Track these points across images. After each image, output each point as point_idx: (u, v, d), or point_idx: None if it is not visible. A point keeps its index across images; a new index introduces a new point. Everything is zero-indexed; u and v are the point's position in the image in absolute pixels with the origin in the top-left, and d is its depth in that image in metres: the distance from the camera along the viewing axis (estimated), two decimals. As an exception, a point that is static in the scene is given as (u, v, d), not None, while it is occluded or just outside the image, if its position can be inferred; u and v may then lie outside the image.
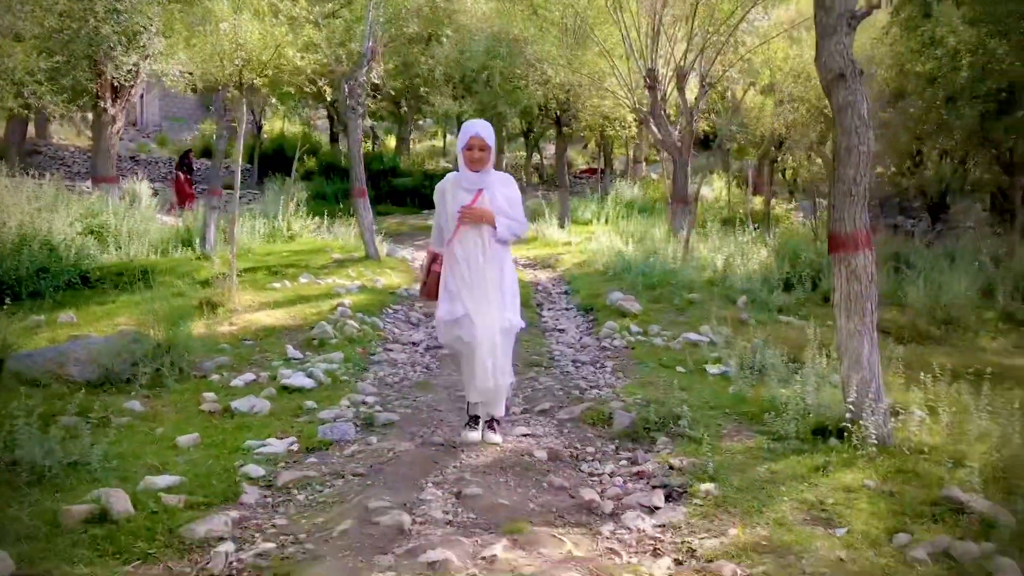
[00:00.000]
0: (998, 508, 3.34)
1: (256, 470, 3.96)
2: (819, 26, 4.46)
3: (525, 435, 4.52)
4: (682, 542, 3.15)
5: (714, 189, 21.28)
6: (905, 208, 16.80)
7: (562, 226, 15.60)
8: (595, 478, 3.92)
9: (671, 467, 3.91)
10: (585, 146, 29.67)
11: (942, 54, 11.99)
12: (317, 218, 13.35)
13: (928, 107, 12.71)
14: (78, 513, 3.26)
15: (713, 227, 12.15)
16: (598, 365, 6.16)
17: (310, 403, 5.21)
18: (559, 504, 3.53)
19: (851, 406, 4.18)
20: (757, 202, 18.88)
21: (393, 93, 16.21)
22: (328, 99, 13.68)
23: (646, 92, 12.98)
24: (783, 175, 21.10)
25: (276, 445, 4.36)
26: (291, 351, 6.51)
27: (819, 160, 15.91)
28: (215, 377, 5.87)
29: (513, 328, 4.24)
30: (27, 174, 12.08)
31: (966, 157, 13.37)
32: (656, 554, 3.06)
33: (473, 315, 4.11)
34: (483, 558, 2.93)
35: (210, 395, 5.37)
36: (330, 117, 22.48)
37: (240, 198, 11.39)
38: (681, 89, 12.91)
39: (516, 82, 15.24)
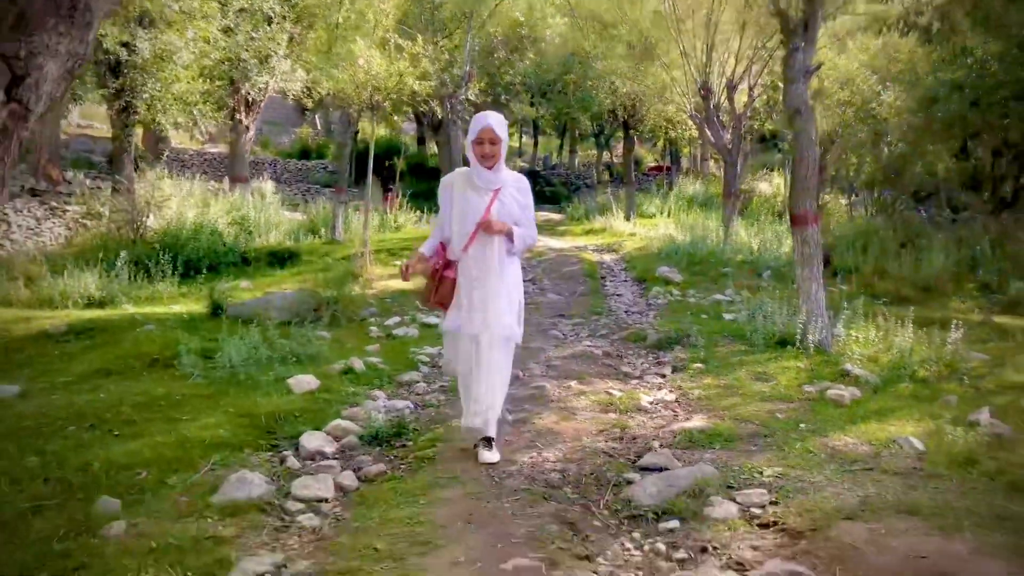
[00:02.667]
0: (870, 375, 5.78)
1: (423, 358, 6.70)
2: (785, 77, 6.95)
3: (588, 345, 7.15)
4: (676, 386, 5.74)
5: (772, 185, 23.40)
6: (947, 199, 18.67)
7: (628, 219, 18.09)
8: (631, 364, 6.50)
9: (679, 358, 6.48)
10: (654, 144, 32.00)
11: (972, 62, 14.12)
12: (416, 212, 16.23)
13: (956, 111, 14.78)
14: (334, 370, 6.03)
15: (764, 218, 14.49)
16: (643, 314, 8.73)
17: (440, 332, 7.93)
18: (607, 372, 6.15)
19: (801, 325, 6.65)
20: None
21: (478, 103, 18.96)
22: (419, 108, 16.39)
23: (701, 101, 15.37)
24: (844, 172, 23.07)
25: (430, 350, 7.08)
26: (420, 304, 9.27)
27: (868, 159, 18.00)
28: (372, 320, 8.66)
29: (512, 338, 4.22)
30: (171, 176, 15.35)
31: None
32: (659, 388, 5.65)
33: (478, 327, 4.11)
34: (564, 387, 5.57)
35: (374, 329, 8.15)
36: (419, 122, 25.38)
37: (343, 196, 14.37)
38: (731, 99, 15.26)
39: (587, 91, 17.84)
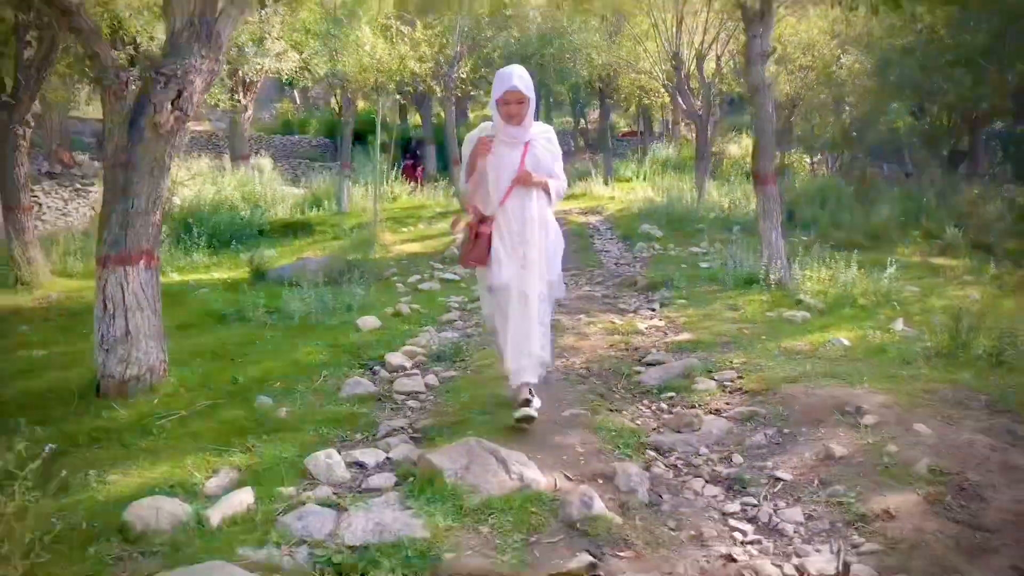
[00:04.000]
0: (819, 303, 7.32)
1: (453, 304, 8.16)
2: (746, 59, 8.42)
3: (588, 290, 8.66)
4: (665, 315, 7.27)
5: (741, 147, 24.97)
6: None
7: (606, 183, 19.58)
8: (626, 303, 8.02)
9: (664, 296, 8.01)
10: (626, 111, 33.41)
11: (921, 28, 15.73)
12: (409, 183, 17.60)
13: (908, 75, 16.38)
14: (385, 314, 7.47)
15: (735, 179, 16.04)
16: (631, 265, 10.26)
17: (462, 286, 9.38)
18: (608, 308, 7.68)
19: (764, 267, 8.19)
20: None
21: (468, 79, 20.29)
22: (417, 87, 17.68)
23: (672, 70, 16.82)
24: (809, 132, 24.71)
25: (456, 299, 8.53)
26: (435, 264, 10.71)
27: (830, 120, 19.61)
28: (395, 278, 10.08)
29: (553, 293, 4.34)
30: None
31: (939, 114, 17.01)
32: (651, 318, 7.19)
33: (516, 280, 4.11)
34: (575, 319, 7.07)
35: (400, 285, 9.59)
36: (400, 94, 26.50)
37: (331, 169, 15.65)
38: (700, 67, 16.71)
39: (565, 63, 19.18)
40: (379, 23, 12.31)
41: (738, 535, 3.21)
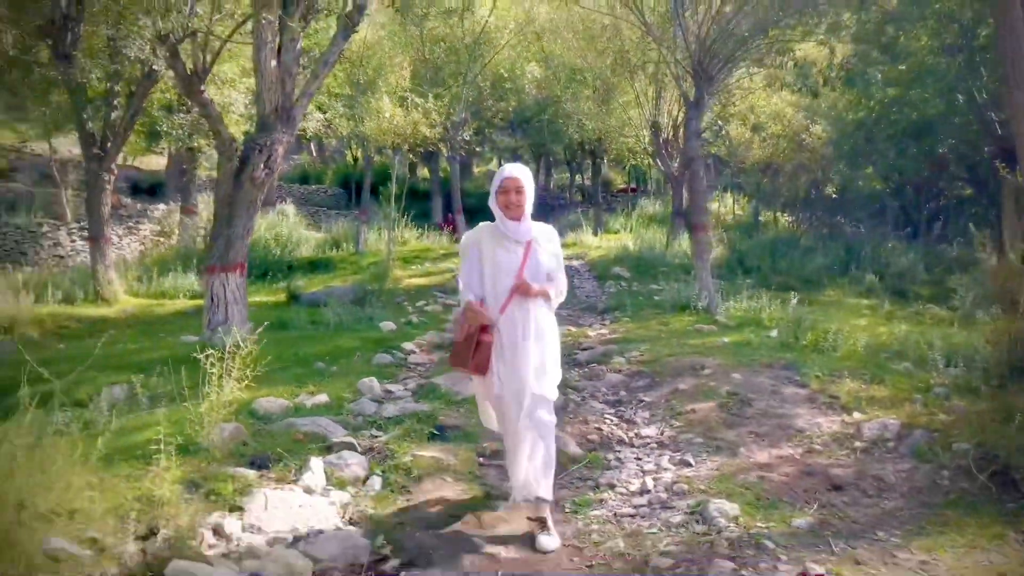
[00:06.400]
0: (730, 322, 9.88)
1: (450, 319, 10.75)
2: (685, 134, 11.13)
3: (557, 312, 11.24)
4: (610, 327, 9.85)
5: (725, 205, 27.79)
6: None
7: (595, 234, 22.28)
8: (584, 321, 10.60)
9: (615, 316, 10.61)
10: (624, 168, 36.42)
11: (873, 104, 18.56)
12: (417, 230, 20.35)
13: (857, 145, 19.17)
14: (400, 322, 10.06)
15: (714, 231, 18.69)
16: (597, 297, 12.86)
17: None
18: (569, 323, 10.26)
19: (696, 296, 10.78)
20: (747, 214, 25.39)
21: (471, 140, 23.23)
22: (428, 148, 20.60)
23: (652, 136, 19.64)
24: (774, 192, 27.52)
25: (453, 316, 11.11)
26: (437, 293, 13.33)
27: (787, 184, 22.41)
28: (406, 303, 12.69)
29: (549, 399, 4.15)
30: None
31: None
32: (600, 328, 9.77)
33: (519, 389, 4.05)
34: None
35: (409, 308, 12.19)
36: (411, 152, 29.53)
37: (346, 216, 18.32)
38: (676, 135, 19.53)
39: (560, 127, 22.08)
40: (396, 94, 15.14)
41: (608, 420, 5.78)
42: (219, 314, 7.66)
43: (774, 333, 8.75)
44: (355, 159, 29.02)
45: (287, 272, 16.08)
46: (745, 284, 13.33)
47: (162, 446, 4.15)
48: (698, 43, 10.82)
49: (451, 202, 24.42)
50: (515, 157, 31.48)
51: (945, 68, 14.55)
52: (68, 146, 23.43)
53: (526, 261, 4.07)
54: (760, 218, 23.94)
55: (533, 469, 4.07)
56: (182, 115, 14.39)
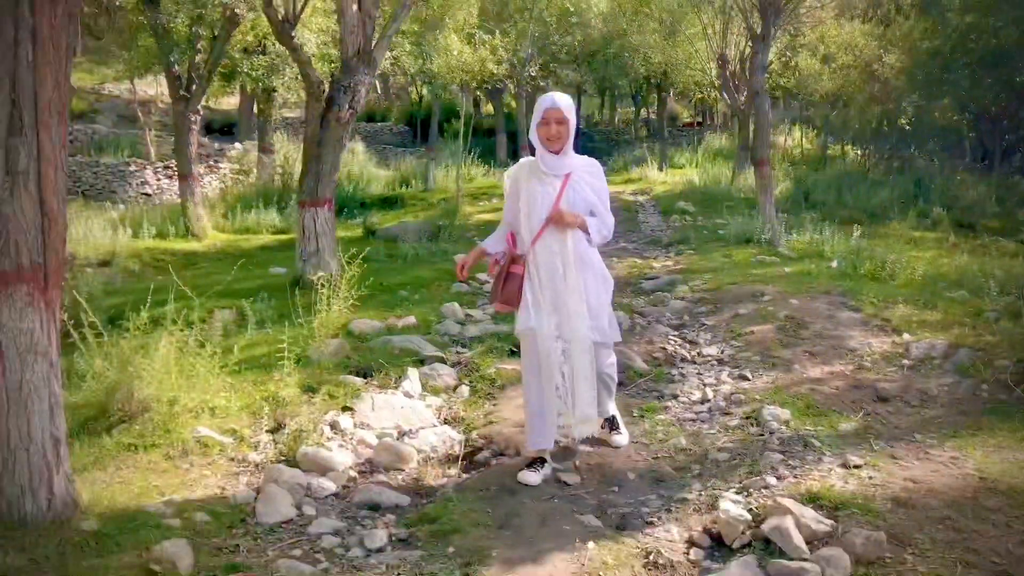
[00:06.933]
0: (793, 254, 10.24)
1: (521, 252, 11.34)
2: (751, 68, 11.34)
3: (624, 245, 11.72)
4: (674, 259, 10.32)
5: (792, 138, 27.57)
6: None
7: (660, 169, 22.47)
8: (649, 253, 11.07)
9: (680, 248, 11.05)
10: (690, 102, 36.16)
11: (950, 31, 18.27)
12: (484, 166, 20.86)
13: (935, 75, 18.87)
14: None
15: (779, 166, 18.77)
16: (663, 231, 13.28)
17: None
18: (635, 255, 10.75)
19: (759, 229, 11.12)
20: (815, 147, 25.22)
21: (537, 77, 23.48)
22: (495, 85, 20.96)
23: (719, 69, 19.65)
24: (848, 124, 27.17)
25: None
26: (506, 228, 13.89)
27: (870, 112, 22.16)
28: (476, 239, 13.28)
29: (603, 343, 4.10)
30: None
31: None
32: (664, 260, 10.25)
33: (553, 330, 3.93)
34: (607, 260, 10.18)
35: (479, 241, 12.77)
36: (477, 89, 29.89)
37: (412, 153, 18.88)
38: (743, 67, 19.50)
39: (625, 59, 22.16)
40: (464, 31, 15.52)
41: (672, 341, 6.33)
42: (311, 245, 8.36)
43: (834, 264, 9.11)
44: (420, 96, 29.49)
45: (361, 208, 16.80)
46: (810, 218, 13.58)
47: (286, 355, 4.85)
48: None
49: (516, 138, 24.82)
50: (581, 91, 31.59)
51: (1023, -5, 14.28)
52: (144, 88, 24.45)
53: (562, 193, 3.95)
54: (828, 152, 23.80)
55: (572, 418, 4.01)
56: (260, 56, 15.03)
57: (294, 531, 3.60)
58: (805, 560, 3.05)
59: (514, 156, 23.82)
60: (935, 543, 3.17)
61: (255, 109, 20.53)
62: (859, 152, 21.70)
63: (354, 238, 13.25)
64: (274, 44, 15.96)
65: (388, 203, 17.14)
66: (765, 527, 3.25)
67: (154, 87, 24.57)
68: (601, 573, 3.14)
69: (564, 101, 3.93)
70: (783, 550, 3.14)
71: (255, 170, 17.55)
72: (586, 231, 3.99)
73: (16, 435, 3.24)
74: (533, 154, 4.09)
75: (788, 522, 3.20)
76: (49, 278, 3.31)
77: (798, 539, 3.14)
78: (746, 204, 15.37)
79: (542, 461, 4.05)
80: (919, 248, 11.48)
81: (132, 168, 17.15)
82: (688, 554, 3.32)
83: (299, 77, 17.00)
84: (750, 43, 18.93)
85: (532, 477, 3.94)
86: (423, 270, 9.57)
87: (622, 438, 4.44)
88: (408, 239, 12.71)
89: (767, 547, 3.21)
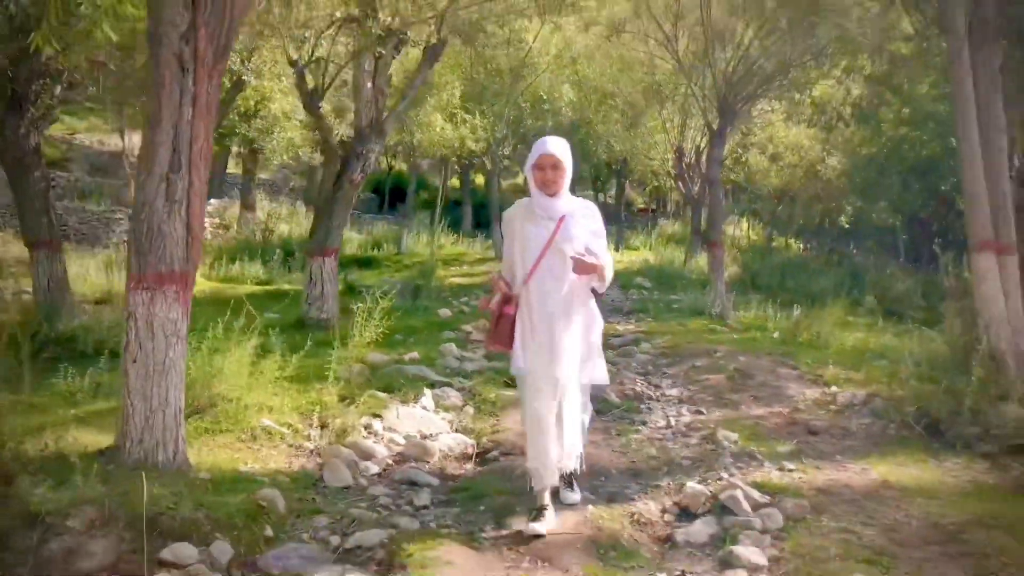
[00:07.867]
0: (739, 325, 11.57)
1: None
2: (708, 160, 12.85)
3: (589, 312, 12.95)
4: (636, 325, 11.56)
5: (741, 228, 29.50)
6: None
7: (617, 250, 23.99)
8: (612, 320, 12.30)
9: (639, 317, 12.32)
10: (645, 190, 38.22)
11: (884, 140, 20.27)
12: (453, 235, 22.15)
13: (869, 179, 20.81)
14: (452, 311, 11.80)
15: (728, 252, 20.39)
16: (623, 301, 14.58)
17: (499, 305, 13.75)
18: (600, 320, 11.97)
19: (710, 304, 12.47)
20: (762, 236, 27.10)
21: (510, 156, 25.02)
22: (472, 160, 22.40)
23: (675, 160, 21.38)
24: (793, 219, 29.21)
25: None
26: (476, 293, 15.05)
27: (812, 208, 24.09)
28: (450, 298, 14.41)
29: (586, 385, 4.23)
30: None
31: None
32: (626, 325, 11.49)
33: (538, 369, 4.01)
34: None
35: (453, 301, 13.92)
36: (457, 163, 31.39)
37: (379, 219, 20.13)
38: (698, 160, 21.26)
39: (589, 147, 23.85)
40: (446, 109, 16.95)
41: (639, 382, 7.50)
42: (316, 290, 9.41)
43: (776, 335, 10.44)
44: (390, 166, 30.87)
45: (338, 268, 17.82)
46: (756, 298, 15.02)
47: (330, 370, 5.91)
48: (725, 80, 12.55)
49: (481, 211, 26.22)
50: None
51: (945, 114, 16.23)
52: (116, 140, 25.35)
53: (556, 235, 3.97)
54: (773, 243, 25.66)
55: (559, 456, 4.11)
56: (256, 119, 16.25)
57: (356, 492, 4.63)
58: (750, 517, 4.19)
59: (478, 226, 25.21)
60: (845, 513, 4.34)
61: (241, 169, 21.60)
62: (802, 245, 23.49)
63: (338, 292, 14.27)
64: (269, 108, 17.23)
65: (363, 263, 18.21)
66: (721, 496, 4.40)
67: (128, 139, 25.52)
68: (599, 524, 4.23)
69: (559, 146, 3.99)
70: (734, 512, 4.27)
71: (235, 225, 18.55)
72: (603, 278, 4.08)
73: (157, 399, 4.24)
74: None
75: (739, 493, 4.35)
76: (188, 282, 4.38)
77: (746, 505, 4.29)
78: (698, 283, 16.83)
79: (542, 509, 4.11)
80: (851, 329, 12.92)
81: (118, 215, 17.99)
82: (663, 517, 4.43)
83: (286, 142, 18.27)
84: (706, 138, 20.78)
85: (539, 527, 4.00)
86: (412, 321, 10.64)
87: (575, 496, 4.51)
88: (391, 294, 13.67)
89: (723, 512, 4.34)
